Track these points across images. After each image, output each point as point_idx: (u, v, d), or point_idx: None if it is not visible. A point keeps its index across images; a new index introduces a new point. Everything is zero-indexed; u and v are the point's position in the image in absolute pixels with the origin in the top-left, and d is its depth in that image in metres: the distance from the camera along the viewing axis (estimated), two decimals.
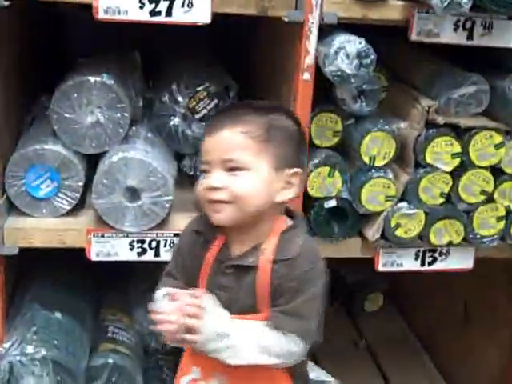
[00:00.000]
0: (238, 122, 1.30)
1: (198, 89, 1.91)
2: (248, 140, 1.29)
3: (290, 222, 1.37)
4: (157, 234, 1.78)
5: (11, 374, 1.63)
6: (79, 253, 1.76)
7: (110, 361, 1.85)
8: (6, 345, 1.71)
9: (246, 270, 1.32)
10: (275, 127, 1.31)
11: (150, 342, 2.06)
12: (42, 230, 1.75)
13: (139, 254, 1.79)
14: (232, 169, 1.29)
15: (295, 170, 1.33)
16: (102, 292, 2.14)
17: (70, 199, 1.78)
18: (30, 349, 1.67)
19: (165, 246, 1.78)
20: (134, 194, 1.75)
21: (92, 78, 1.75)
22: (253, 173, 1.29)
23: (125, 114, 1.79)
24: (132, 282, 2.14)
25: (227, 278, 1.35)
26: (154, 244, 1.78)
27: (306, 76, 1.69)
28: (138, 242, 1.77)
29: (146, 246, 1.78)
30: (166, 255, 1.77)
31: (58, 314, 1.83)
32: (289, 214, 1.39)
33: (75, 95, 1.75)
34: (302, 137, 1.38)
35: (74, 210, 1.81)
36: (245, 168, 1.29)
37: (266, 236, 1.33)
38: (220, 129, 1.30)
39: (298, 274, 1.29)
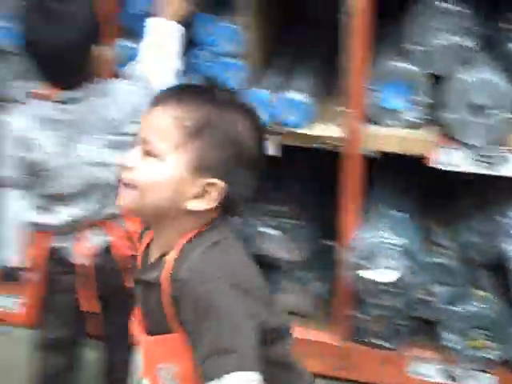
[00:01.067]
0: (176, 104, 1.10)
1: None
2: (174, 128, 1.08)
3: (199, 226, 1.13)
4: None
5: (370, 253, 1.95)
6: (418, 161, 1.99)
7: None
8: (365, 233, 2.03)
9: (151, 285, 1.12)
10: (214, 126, 1.09)
11: (470, 255, 2.22)
12: (391, 137, 2.02)
13: (483, 168, 1.98)
14: (147, 152, 1.10)
15: (215, 181, 1.09)
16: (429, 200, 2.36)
17: (418, 113, 2.01)
18: (385, 235, 1.97)
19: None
20: (479, 110, 1.92)
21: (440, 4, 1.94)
22: (163, 164, 1.09)
23: (469, 39, 1.96)
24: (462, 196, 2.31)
25: (138, 291, 1.20)
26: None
27: None
28: (481, 156, 1.96)
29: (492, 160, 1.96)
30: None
31: (398, 213, 2.10)
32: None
33: (426, 20, 1.96)
34: (250, 149, 1.11)
35: (422, 123, 2.04)
36: (158, 156, 1.09)
37: (173, 246, 1.11)
38: (156, 105, 1.12)
39: (192, 301, 1.05)
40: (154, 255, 1.16)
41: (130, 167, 1.11)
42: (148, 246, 1.19)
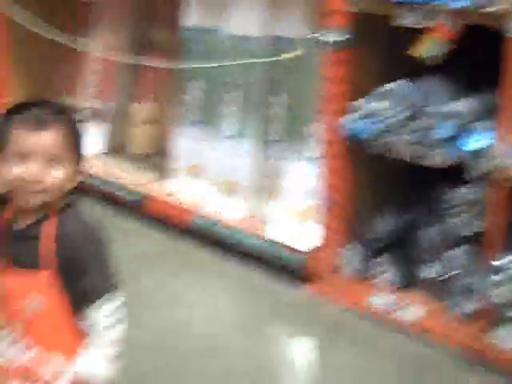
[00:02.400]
0: (59, 121, 1.51)
1: None
2: (62, 141, 1.50)
3: (66, 201, 1.56)
4: None
5: None
6: None
7: None
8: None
9: (30, 240, 1.50)
10: (73, 130, 1.54)
11: None
12: None
13: None
14: (50, 162, 1.48)
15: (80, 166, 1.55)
16: None
17: None
18: None
19: None
20: None
21: None
22: (64, 167, 1.50)
23: None
24: None
25: (12, 246, 1.53)
26: None
27: None
28: None
29: None
30: None
31: None
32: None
33: None
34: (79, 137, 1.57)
35: None
36: (60, 163, 1.49)
37: (50, 212, 1.52)
38: (45, 128, 1.48)
39: (78, 250, 1.49)
40: (24, 222, 1.52)
41: (36, 180, 1.47)
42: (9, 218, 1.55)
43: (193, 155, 3.47)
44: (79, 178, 1.56)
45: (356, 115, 2.71)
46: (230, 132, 3.31)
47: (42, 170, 1.48)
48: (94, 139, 3.96)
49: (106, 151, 4.00)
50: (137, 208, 3.55)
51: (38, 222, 1.52)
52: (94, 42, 4.08)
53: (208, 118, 3.42)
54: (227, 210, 3.28)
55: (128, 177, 3.67)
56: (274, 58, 3.09)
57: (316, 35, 2.81)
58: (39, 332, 1.52)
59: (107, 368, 1.53)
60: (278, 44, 3.14)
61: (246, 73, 3.23)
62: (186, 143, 3.50)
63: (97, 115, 4.03)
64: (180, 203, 3.40)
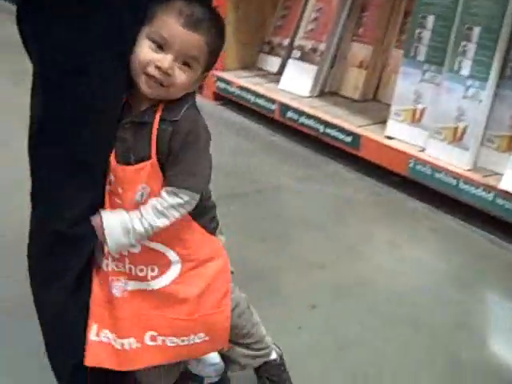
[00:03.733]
0: (209, 31, 1.47)
1: None
2: (205, 47, 1.47)
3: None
4: None
5: None
6: None
7: None
8: None
9: (142, 125, 1.49)
10: (218, 37, 1.51)
11: None
12: None
13: None
14: (185, 63, 1.46)
15: (206, 73, 1.54)
16: None
17: None
18: None
19: None
20: None
21: None
22: (193, 71, 1.48)
23: None
24: None
25: (126, 132, 1.51)
26: None
27: None
28: None
29: None
30: None
31: None
32: None
33: None
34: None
35: None
36: (191, 67, 1.47)
37: (163, 100, 1.50)
38: (195, 30, 1.45)
39: (182, 136, 1.48)
40: (138, 108, 1.51)
41: (167, 72, 1.45)
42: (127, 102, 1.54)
43: (412, 99, 3.19)
44: (201, 83, 1.58)
45: None
46: (463, 72, 2.98)
47: (176, 67, 1.46)
48: (304, 81, 3.80)
49: (317, 93, 3.82)
50: (349, 151, 3.36)
51: (152, 108, 1.51)
52: None
53: (437, 57, 3.12)
54: (449, 159, 2.97)
55: (343, 120, 3.45)
56: None
57: None
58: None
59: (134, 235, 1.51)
60: None
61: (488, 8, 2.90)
62: (405, 86, 3.22)
63: (309, 55, 3.85)
64: (395, 149, 3.13)
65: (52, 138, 1.51)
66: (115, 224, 1.49)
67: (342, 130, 3.38)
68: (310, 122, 3.53)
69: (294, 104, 3.65)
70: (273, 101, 3.74)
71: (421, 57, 3.18)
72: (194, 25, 1.45)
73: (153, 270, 1.55)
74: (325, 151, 3.50)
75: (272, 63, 4.17)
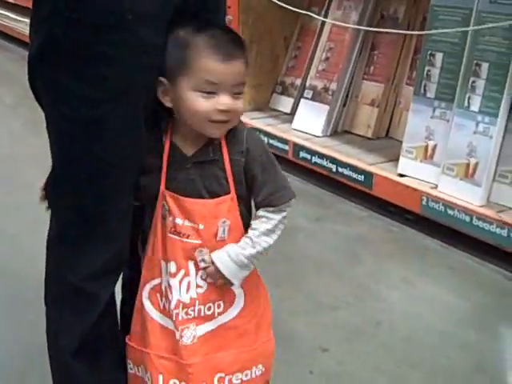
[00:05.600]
0: (242, 51, 1.49)
1: None
2: (245, 66, 1.50)
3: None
4: None
5: None
6: None
7: None
8: None
9: (209, 163, 1.52)
10: (246, 56, 1.52)
11: None
12: None
13: None
14: (237, 92, 1.48)
15: None
16: None
17: None
18: None
19: None
20: None
21: None
22: (242, 94, 1.51)
23: None
24: None
25: (189, 173, 1.52)
26: None
27: None
28: None
29: None
30: None
31: None
32: None
33: None
34: None
35: None
36: (241, 91, 1.50)
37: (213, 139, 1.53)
38: (234, 58, 1.46)
39: (257, 160, 1.53)
40: (191, 149, 1.53)
41: (228, 110, 1.47)
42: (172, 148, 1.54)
43: (424, 136, 3.18)
44: None
45: None
46: (473, 108, 2.97)
47: (232, 99, 1.48)
48: (317, 120, 3.81)
49: (331, 133, 3.82)
50: (361, 189, 3.34)
51: (213, 144, 1.53)
52: (331, 14, 3.93)
53: (446, 93, 3.11)
54: (462, 195, 2.95)
55: (355, 158, 3.45)
56: None
57: None
58: None
59: (245, 264, 1.54)
60: None
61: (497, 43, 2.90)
62: (417, 123, 3.21)
63: (321, 95, 3.87)
64: (408, 186, 3.12)
65: (63, 190, 1.51)
66: (227, 263, 1.52)
67: (354, 168, 3.37)
68: (323, 162, 3.53)
69: (307, 144, 3.66)
70: (286, 141, 3.75)
71: (431, 94, 3.18)
72: (231, 55, 1.46)
73: (219, 307, 1.56)
74: (338, 190, 3.49)
75: (285, 103, 4.18)
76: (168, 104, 1.50)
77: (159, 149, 1.53)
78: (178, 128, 1.53)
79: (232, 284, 1.54)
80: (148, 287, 1.58)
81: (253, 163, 1.53)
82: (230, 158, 1.52)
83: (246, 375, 1.59)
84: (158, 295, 1.57)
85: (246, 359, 1.58)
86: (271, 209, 1.54)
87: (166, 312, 1.56)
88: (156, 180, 1.53)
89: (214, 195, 1.52)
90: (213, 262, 1.52)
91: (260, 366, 1.61)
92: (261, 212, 1.55)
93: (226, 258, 1.51)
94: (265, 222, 1.53)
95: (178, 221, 1.52)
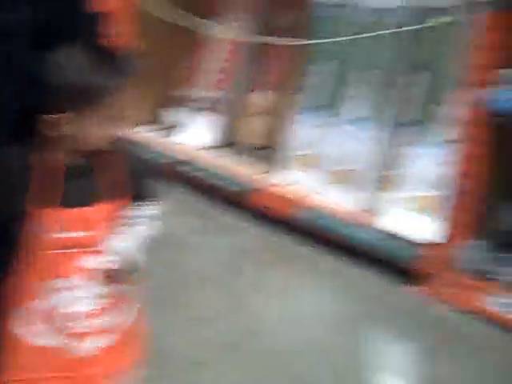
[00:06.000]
0: None
1: None
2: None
3: None
4: None
5: None
6: None
7: None
8: None
9: (83, 176, 1.47)
10: None
11: None
12: None
13: None
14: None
15: None
16: None
17: None
18: None
19: None
20: None
21: None
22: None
23: None
24: None
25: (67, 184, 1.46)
26: None
27: None
28: None
29: None
30: None
31: None
32: None
33: None
34: None
35: None
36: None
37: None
38: None
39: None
40: (74, 160, 1.47)
41: None
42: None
43: (308, 145, 3.23)
44: None
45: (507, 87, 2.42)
46: (352, 116, 3.04)
47: None
48: (206, 131, 3.81)
49: (218, 144, 3.83)
50: (241, 200, 3.36)
51: (89, 158, 1.48)
52: (222, 27, 3.95)
53: (330, 102, 3.18)
54: (337, 202, 3.01)
55: (238, 169, 3.47)
56: (421, 26, 2.86)
57: None
58: None
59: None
60: (423, 15, 2.90)
61: (381, 51, 2.99)
62: (302, 132, 3.27)
63: (212, 106, 3.88)
64: (285, 195, 3.16)
65: None
66: None
67: (232, 180, 3.39)
68: (203, 174, 3.53)
69: (190, 156, 3.65)
70: (170, 153, 3.74)
71: (315, 102, 3.23)
72: None
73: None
74: (219, 202, 3.48)
75: (174, 115, 4.17)
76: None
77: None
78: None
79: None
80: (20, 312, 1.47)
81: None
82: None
83: None
84: (39, 316, 1.45)
85: None
86: None
87: (53, 330, 1.46)
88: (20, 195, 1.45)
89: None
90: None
91: None
92: None
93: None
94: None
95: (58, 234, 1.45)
